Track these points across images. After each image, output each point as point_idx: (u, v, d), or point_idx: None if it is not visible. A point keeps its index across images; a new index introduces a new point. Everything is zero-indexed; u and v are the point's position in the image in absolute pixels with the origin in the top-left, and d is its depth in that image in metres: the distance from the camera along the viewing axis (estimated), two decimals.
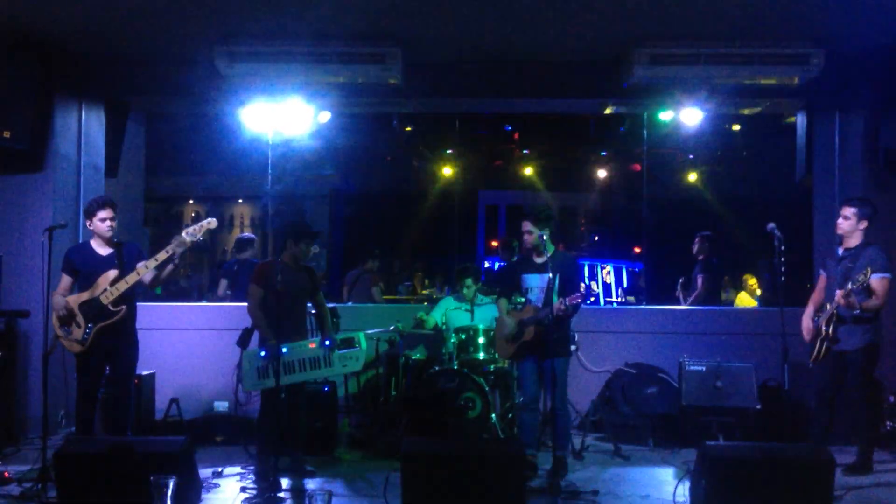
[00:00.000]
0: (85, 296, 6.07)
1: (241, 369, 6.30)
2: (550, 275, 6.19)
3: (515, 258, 8.58)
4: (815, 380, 6.46)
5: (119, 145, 8.51)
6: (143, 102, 8.72)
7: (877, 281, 6.10)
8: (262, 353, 6.11)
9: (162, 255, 6.02)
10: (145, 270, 6.06)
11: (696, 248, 9.71)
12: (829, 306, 6.28)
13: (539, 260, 6.36)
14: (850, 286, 6.03)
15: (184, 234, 6.01)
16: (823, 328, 6.26)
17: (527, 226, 6.41)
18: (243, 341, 6.40)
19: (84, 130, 8.01)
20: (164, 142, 10.72)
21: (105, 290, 6.04)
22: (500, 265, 10.47)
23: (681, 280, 10.08)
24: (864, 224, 6.32)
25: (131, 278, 6.04)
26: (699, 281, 9.44)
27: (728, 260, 10.65)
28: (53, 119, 7.61)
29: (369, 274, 10.22)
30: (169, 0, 6.40)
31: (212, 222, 6.13)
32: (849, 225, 6.35)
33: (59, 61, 7.55)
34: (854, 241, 6.35)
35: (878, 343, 6.24)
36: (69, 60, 7.68)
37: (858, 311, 6.08)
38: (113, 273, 6.08)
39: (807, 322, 6.53)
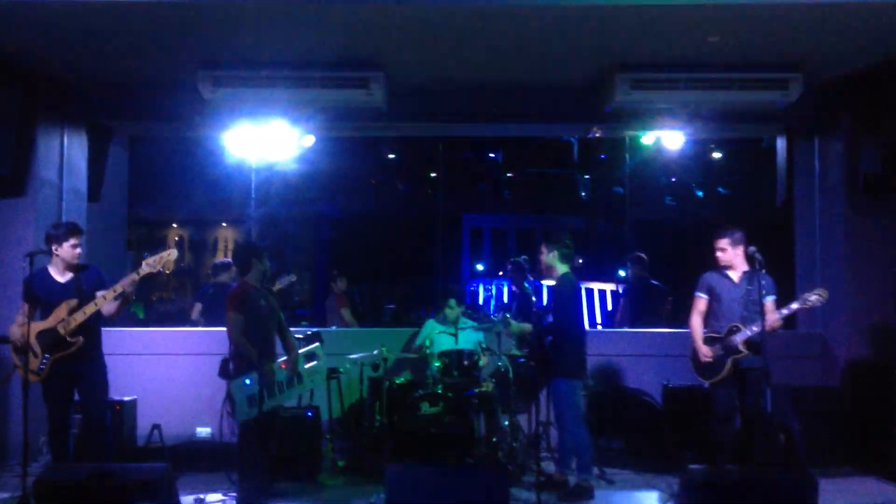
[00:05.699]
0: (43, 325, 6.00)
1: (234, 401, 6.21)
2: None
3: (526, 281, 8.84)
4: (720, 401, 6.41)
5: (102, 169, 8.49)
6: (126, 127, 8.70)
7: (771, 303, 6.28)
8: (248, 381, 6.06)
9: (119, 288, 5.99)
10: (103, 302, 6.02)
11: (628, 271, 9.88)
12: (743, 328, 6.26)
13: (551, 282, 6.67)
14: (784, 311, 6.17)
15: (144, 264, 6.01)
16: (741, 348, 6.24)
17: (542, 248, 6.78)
18: (225, 372, 6.33)
19: (66, 155, 7.98)
20: (147, 166, 10.73)
21: (63, 320, 5.98)
22: (508, 286, 10.72)
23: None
24: (740, 248, 6.45)
25: (89, 309, 6.00)
26: (620, 305, 9.58)
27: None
28: (35, 143, 7.60)
29: (335, 295, 10.45)
30: (152, 26, 6.41)
31: (172, 253, 6.13)
32: (728, 256, 6.48)
33: (42, 86, 7.55)
34: (743, 265, 6.46)
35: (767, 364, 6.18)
36: (51, 85, 7.68)
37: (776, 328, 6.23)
38: (72, 303, 6.02)
39: (703, 345, 6.50)
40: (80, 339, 5.99)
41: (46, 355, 5.95)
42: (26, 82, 7.32)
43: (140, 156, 9.82)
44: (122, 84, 7.79)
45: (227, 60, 7.06)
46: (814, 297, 6.14)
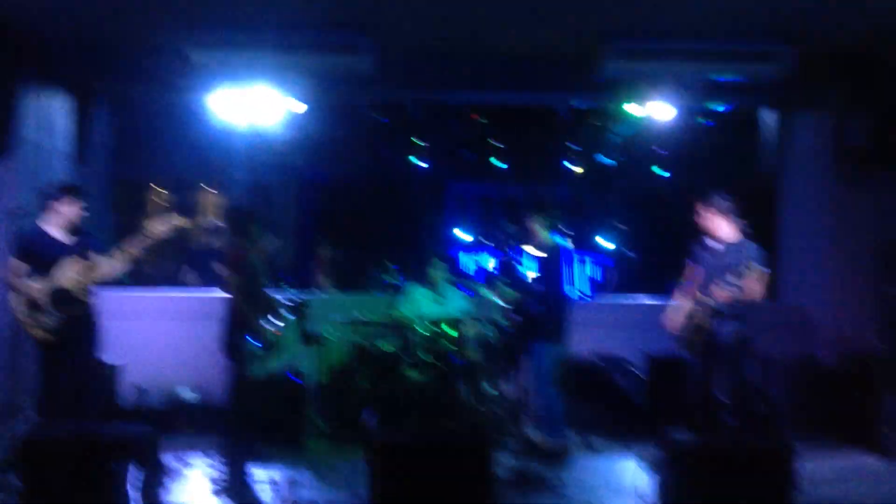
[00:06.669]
0: (51, 283, 5.97)
1: (239, 357, 6.19)
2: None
3: (510, 249, 8.90)
4: (694, 370, 6.41)
5: (86, 131, 8.39)
6: (110, 88, 8.58)
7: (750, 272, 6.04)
8: (249, 339, 6.07)
9: (131, 250, 5.98)
10: (116, 263, 6.01)
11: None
12: (707, 300, 6.19)
13: (536, 251, 6.82)
14: (725, 284, 5.98)
15: (152, 228, 5.98)
16: (706, 319, 6.18)
17: (528, 218, 6.95)
18: (225, 331, 6.32)
19: (49, 115, 7.87)
20: (132, 128, 10.60)
21: (74, 279, 5.96)
22: (493, 254, 10.81)
23: None
24: (719, 215, 6.27)
25: (105, 270, 6.00)
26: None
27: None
28: (17, 103, 7.47)
29: (316, 262, 10.65)
30: None
31: (181, 220, 6.10)
32: (706, 223, 6.34)
33: (24, 45, 7.40)
34: (726, 234, 6.31)
35: (747, 334, 6.19)
36: (34, 44, 7.53)
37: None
38: (80, 262, 5.99)
39: (672, 315, 6.49)
40: (94, 299, 5.99)
41: (57, 313, 5.91)
42: (8, 41, 7.18)
43: (125, 118, 9.72)
44: (107, 45, 7.67)
45: (214, 23, 6.95)
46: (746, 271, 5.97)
